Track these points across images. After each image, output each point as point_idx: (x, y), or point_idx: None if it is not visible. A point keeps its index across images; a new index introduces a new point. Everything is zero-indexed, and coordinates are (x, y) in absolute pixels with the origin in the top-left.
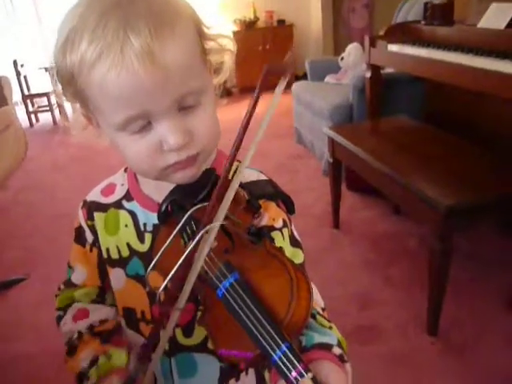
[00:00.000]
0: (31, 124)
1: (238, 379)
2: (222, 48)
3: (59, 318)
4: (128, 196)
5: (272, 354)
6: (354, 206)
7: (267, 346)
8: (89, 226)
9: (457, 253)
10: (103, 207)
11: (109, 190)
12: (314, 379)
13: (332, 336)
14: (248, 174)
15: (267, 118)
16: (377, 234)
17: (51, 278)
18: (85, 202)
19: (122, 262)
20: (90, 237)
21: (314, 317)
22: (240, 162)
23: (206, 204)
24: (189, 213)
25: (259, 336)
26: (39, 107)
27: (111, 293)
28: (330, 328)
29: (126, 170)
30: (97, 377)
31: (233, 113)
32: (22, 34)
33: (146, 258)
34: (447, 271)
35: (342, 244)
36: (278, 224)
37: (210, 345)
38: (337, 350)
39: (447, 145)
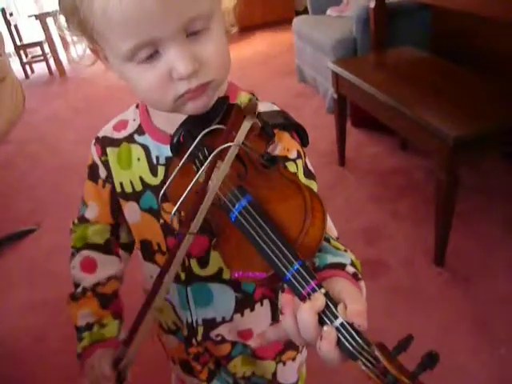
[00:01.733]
0: (26, 75)
1: (252, 309)
2: None
3: (72, 255)
4: (140, 130)
5: (285, 271)
6: (359, 143)
7: (280, 265)
8: (102, 162)
9: (462, 185)
10: (115, 142)
11: (121, 125)
12: (326, 294)
13: (345, 256)
14: (260, 104)
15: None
16: (383, 170)
17: (60, 227)
18: (97, 138)
19: (135, 196)
20: (103, 172)
21: (328, 241)
22: (253, 94)
23: (217, 126)
24: (200, 135)
25: (272, 255)
26: (33, 57)
27: (125, 228)
28: (345, 251)
29: (137, 107)
30: (88, 341)
31: (231, 52)
32: None
33: (158, 191)
34: (453, 203)
35: (348, 181)
36: (292, 155)
37: (225, 275)
38: (350, 269)
39: (454, 76)
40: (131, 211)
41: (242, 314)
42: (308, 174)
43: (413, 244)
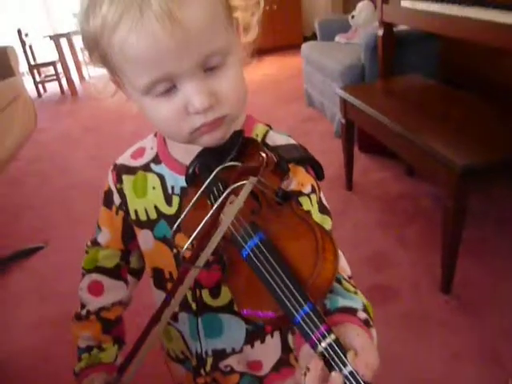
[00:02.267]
0: (39, 94)
1: (263, 341)
2: (247, 4)
3: (83, 276)
4: (156, 159)
5: (295, 314)
6: (366, 168)
7: (290, 306)
8: (117, 189)
9: (470, 212)
10: (132, 170)
11: (138, 153)
12: (336, 341)
13: (357, 300)
14: (277, 137)
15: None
16: (390, 196)
17: (68, 245)
18: (115, 165)
19: (149, 224)
20: (117, 199)
21: (339, 282)
22: (269, 126)
23: (233, 164)
24: (216, 171)
25: (282, 296)
26: (46, 77)
27: (136, 255)
28: (356, 293)
29: (155, 135)
30: (85, 363)
31: None
32: (25, 2)
33: (173, 220)
34: (461, 231)
35: (355, 206)
36: (307, 189)
37: (236, 306)
38: (362, 315)
39: (462, 104)
40: (145, 239)
41: (252, 346)
42: (322, 209)
43: (420, 271)
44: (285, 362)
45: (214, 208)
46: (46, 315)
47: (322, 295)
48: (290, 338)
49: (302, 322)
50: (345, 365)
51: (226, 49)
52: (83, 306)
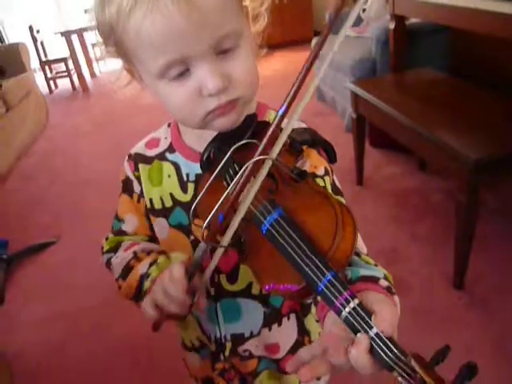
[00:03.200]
0: (50, 90)
1: (280, 324)
2: None
3: (109, 260)
4: (171, 148)
5: (318, 282)
6: (377, 163)
7: (313, 275)
8: (136, 177)
9: (483, 207)
10: (148, 159)
11: (153, 143)
12: (360, 305)
13: (378, 270)
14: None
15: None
16: (401, 191)
17: (79, 240)
18: (130, 154)
19: (165, 212)
20: (137, 187)
21: (358, 255)
22: (275, 110)
23: (249, 141)
24: (230, 151)
25: (305, 266)
26: (57, 73)
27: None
28: (376, 265)
29: (169, 125)
30: (157, 272)
31: None
32: None
33: (188, 207)
34: (474, 225)
35: (366, 200)
36: (320, 171)
37: (254, 290)
38: (383, 283)
39: (474, 97)
40: (160, 227)
41: (270, 329)
42: (336, 190)
43: (432, 267)
44: (301, 344)
45: (229, 187)
46: (58, 310)
47: (342, 266)
48: (306, 319)
49: (325, 289)
50: (370, 327)
51: (239, 32)
52: (126, 259)
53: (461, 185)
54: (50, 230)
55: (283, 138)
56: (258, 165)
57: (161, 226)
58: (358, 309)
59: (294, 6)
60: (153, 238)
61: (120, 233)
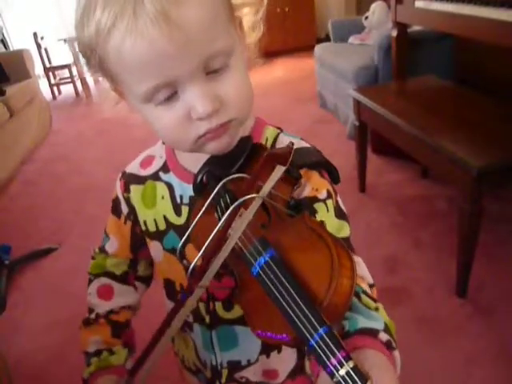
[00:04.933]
0: (54, 96)
1: (279, 351)
2: (250, 1)
3: (90, 281)
4: (165, 168)
5: (309, 338)
6: (380, 170)
7: (304, 330)
8: (125, 198)
9: (486, 215)
10: (141, 179)
11: (147, 162)
12: (354, 369)
13: (378, 320)
14: (287, 140)
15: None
16: (404, 198)
17: (81, 247)
18: (123, 173)
19: (159, 235)
20: (125, 209)
21: (358, 296)
22: (280, 129)
23: (240, 175)
24: (222, 183)
25: (295, 318)
26: (61, 79)
27: (144, 263)
28: (377, 309)
29: (164, 143)
30: (95, 367)
31: (252, 78)
32: (40, 6)
33: (182, 231)
34: (477, 233)
35: (368, 207)
36: (322, 195)
37: None
38: (383, 336)
39: (477, 105)
40: (155, 251)
41: (268, 356)
42: (340, 214)
43: (434, 274)
44: (300, 370)
45: (220, 223)
46: (59, 316)
47: (339, 315)
48: (306, 363)
49: (316, 346)
50: None
51: (229, 50)
52: (92, 311)
53: (463, 192)
54: (52, 236)
55: (278, 175)
56: (249, 201)
57: (156, 249)
58: (353, 373)
59: (297, 14)
60: (134, 261)
61: (103, 251)
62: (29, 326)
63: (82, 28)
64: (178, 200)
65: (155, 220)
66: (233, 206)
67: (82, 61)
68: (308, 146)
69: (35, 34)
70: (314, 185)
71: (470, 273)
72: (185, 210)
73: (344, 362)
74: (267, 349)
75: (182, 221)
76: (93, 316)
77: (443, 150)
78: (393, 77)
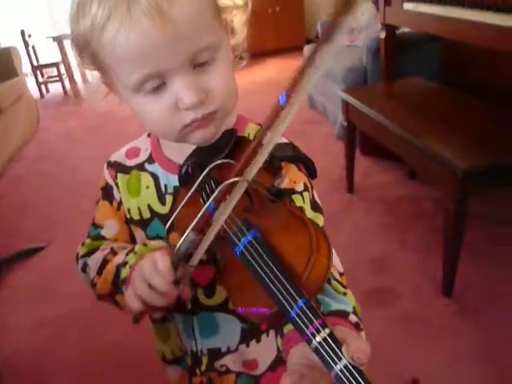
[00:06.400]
0: (42, 95)
1: (258, 341)
2: (235, 5)
3: (84, 265)
4: (150, 159)
5: (289, 309)
6: (368, 171)
7: (284, 302)
8: (116, 184)
9: (471, 215)
10: (126, 169)
11: (133, 153)
12: (331, 335)
13: (347, 303)
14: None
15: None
16: (391, 198)
17: (70, 245)
18: (109, 162)
19: (142, 224)
20: (117, 195)
21: (328, 281)
22: (260, 125)
23: (225, 161)
24: (208, 169)
25: (276, 291)
26: (49, 77)
27: None
28: (345, 294)
29: (149, 135)
30: (136, 258)
31: (243, 78)
32: (28, 4)
33: (166, 219)
34: (462, 233)
35: (356, 208)
36: (299, 187)
37: (231, 305)
38: (353, 318)
39: (464, 106)
40: (139, 239)
41: (248, 345)
42: (315, 207)
43: (421, 274)
44: (281, 361)
45: (205, 206)
46: (48, 315)
47: (316, 291)
48: (279, 340)
49: (296, 317)
50: (340, 358)
51: (216, 45)
52: (103, 255)
53: (449, 193)
54: (41, 235)
55: (261, 160)
56: (234, 185)
57: (140, 237)
58: (329, 339)
59: (287, 14)
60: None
61: (98, 238)
62: (17, 325)
63: (77, 20)
64: (163, 189)
65: (139, 208)
66: (219, 187)
67: (74, 53)
68: (287, 141)
69: (23, 32)
70: (292, 177)
71: (455, 273)
72: (169, 199)
73: (321, 329)
74: (247, 337)
75: (167, 210)
76: (107, 252)
77: (430, 151)
78: (381, 78)
